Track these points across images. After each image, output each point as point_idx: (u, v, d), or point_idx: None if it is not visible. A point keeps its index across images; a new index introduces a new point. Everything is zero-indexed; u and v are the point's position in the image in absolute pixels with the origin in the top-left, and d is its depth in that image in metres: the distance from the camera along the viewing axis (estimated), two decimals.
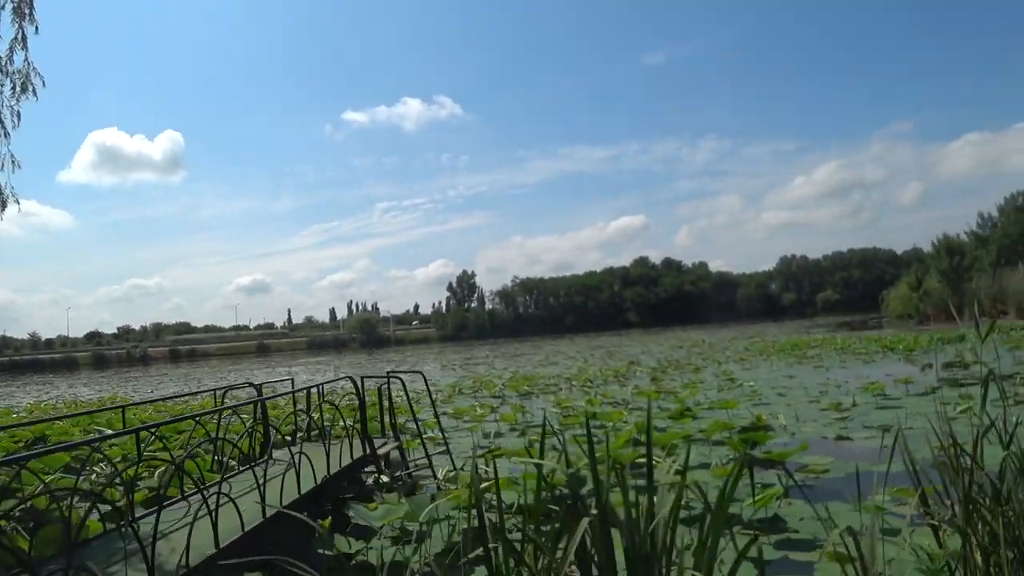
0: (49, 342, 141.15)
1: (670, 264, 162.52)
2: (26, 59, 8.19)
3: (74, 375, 79.69)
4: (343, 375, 12.95)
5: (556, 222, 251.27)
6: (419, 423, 11.12)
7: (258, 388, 10.04)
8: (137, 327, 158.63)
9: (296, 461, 6.34)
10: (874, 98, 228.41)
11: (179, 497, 6.17)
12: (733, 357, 30.78)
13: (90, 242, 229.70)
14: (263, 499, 5.26)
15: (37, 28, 8.03)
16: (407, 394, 11.14)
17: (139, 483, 7.50)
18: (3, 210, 8.22)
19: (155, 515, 4.28)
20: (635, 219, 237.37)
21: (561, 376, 25.91)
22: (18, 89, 8.10)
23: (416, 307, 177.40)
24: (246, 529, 4.97)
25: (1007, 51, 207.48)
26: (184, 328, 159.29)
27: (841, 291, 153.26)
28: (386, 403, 10.25)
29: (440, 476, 9.00)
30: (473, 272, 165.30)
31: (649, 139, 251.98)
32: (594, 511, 2.99)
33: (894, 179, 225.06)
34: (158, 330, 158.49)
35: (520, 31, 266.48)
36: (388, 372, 10.53)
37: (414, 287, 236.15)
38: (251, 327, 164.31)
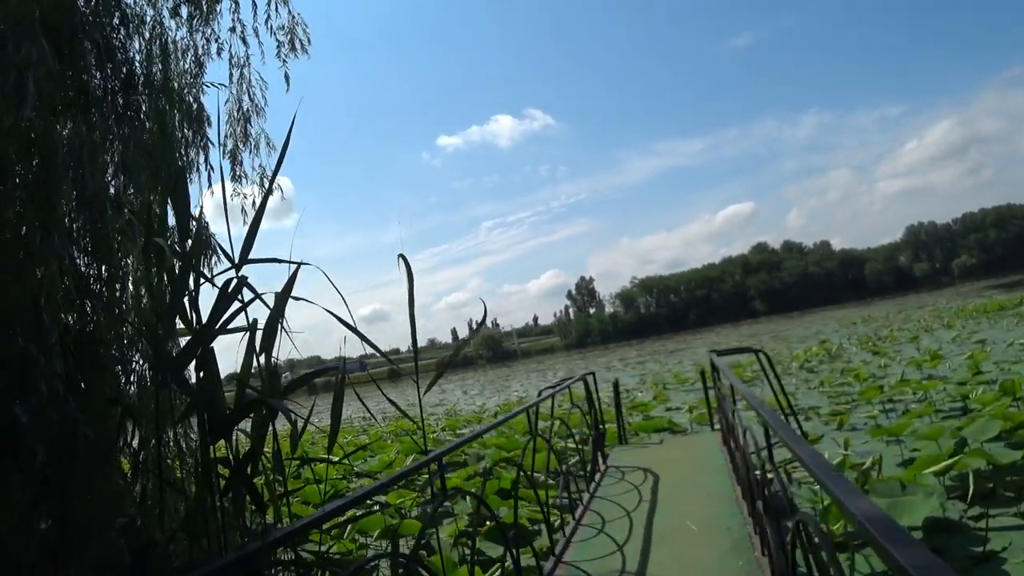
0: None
1: (790, 247, 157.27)
2: (290, 12, 7.30)
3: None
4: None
5: (662, 219, 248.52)
6: None
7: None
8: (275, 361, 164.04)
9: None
10: (980, 47, 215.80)
11: None
12: (932, 325, 28.76)
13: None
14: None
15: None
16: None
17: None
18: (270, 197, 7.30)
19: None
20: (743, 206, 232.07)
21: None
22: (286, 47, 7.23)
23: (536, 319, 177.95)
24: None
25: None
26: (315, 361, 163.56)
27: (978, 255, 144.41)
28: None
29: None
30: (591, 278, 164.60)
31: (746, 123, 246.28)
32: None
33: (1015, 129, 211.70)
34: (291, 365, 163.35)
35: (599, 34, 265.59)
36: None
37: (528, 300, 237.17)
38: (378, 355, 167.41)
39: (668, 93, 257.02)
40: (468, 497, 7.85)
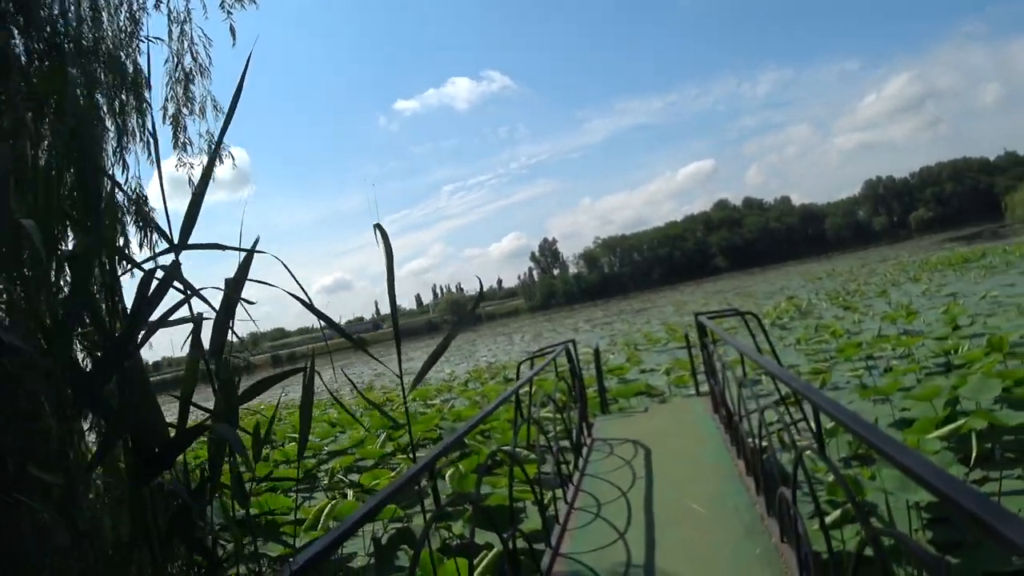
0: (156, 364, 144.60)
1: (751, 204, 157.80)
2: None
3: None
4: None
5: (623, 179, 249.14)
6: None
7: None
8: (234, 340, 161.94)
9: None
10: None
11: None
12: (899, 279, 28.87)
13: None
14: None
15: None
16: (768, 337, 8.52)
17: None
18: (220, 165, 6.77)
19: None
20: (703, 164, 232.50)
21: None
22: None
23: (499, 282, 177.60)
24: None
25: None
26: (279, 334, 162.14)
27: (935, 208, 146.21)
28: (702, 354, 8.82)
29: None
30: (554, 239, 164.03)
31: (705, 80, 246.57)
32: None
33: (970, 83, 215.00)
34: (255, 339, 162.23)
35: None
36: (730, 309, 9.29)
37: (491, 263, 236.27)
38: (342, 324, 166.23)
39: (626, 51, 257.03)
40: (448, 476, 7.46)
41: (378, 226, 2.14)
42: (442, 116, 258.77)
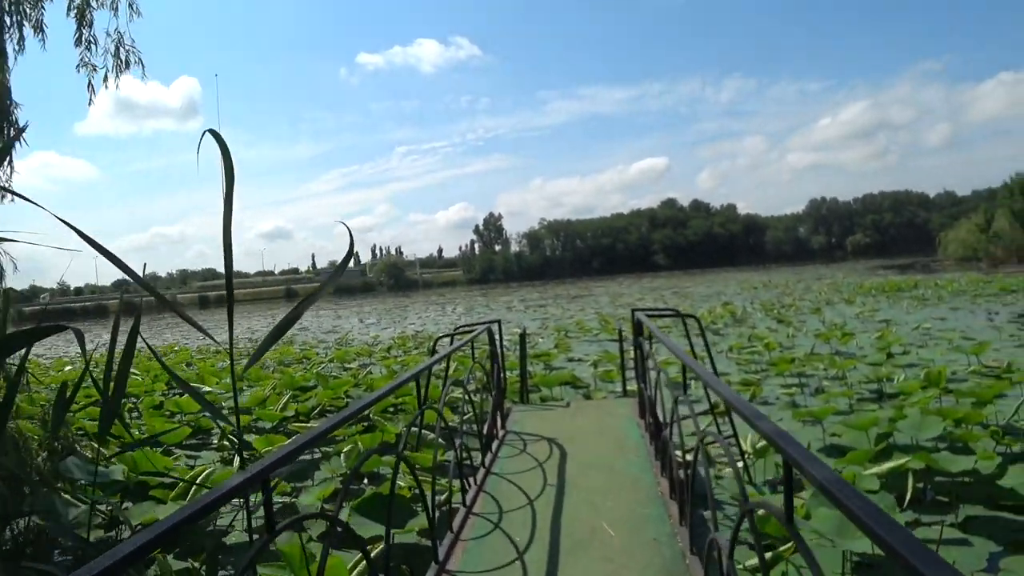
0: (79, 291, 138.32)
1: (698, 206, 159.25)
2: None
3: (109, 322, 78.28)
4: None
5: (577, 164, 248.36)
6: None
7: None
8: (163, 275, 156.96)
9: None
10: (905, 35, 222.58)
11: None
12: (833, 299, 29.03)
13: (112, 191, 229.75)
14: None
15: None
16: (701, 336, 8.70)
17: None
18: (125, 71, 6.08)
19: None
20: (657, 161, 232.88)
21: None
22: None
23: (440, 250, 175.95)
24: None
25: None
26: (210, 274, 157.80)
27: (872, 235, 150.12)
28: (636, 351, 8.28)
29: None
30: (500, 215, 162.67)
31: (672, 79, 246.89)
32: None
33: (922, 120, 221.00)
34: (184, 277, 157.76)
35: None
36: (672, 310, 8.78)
37: (434, 231, 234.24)
38: (276, 272, 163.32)
39: (600, 38, 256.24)
40: (344, 454, 6.82)
41: (212, 132, 1.45)
42: (405, 76, 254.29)
